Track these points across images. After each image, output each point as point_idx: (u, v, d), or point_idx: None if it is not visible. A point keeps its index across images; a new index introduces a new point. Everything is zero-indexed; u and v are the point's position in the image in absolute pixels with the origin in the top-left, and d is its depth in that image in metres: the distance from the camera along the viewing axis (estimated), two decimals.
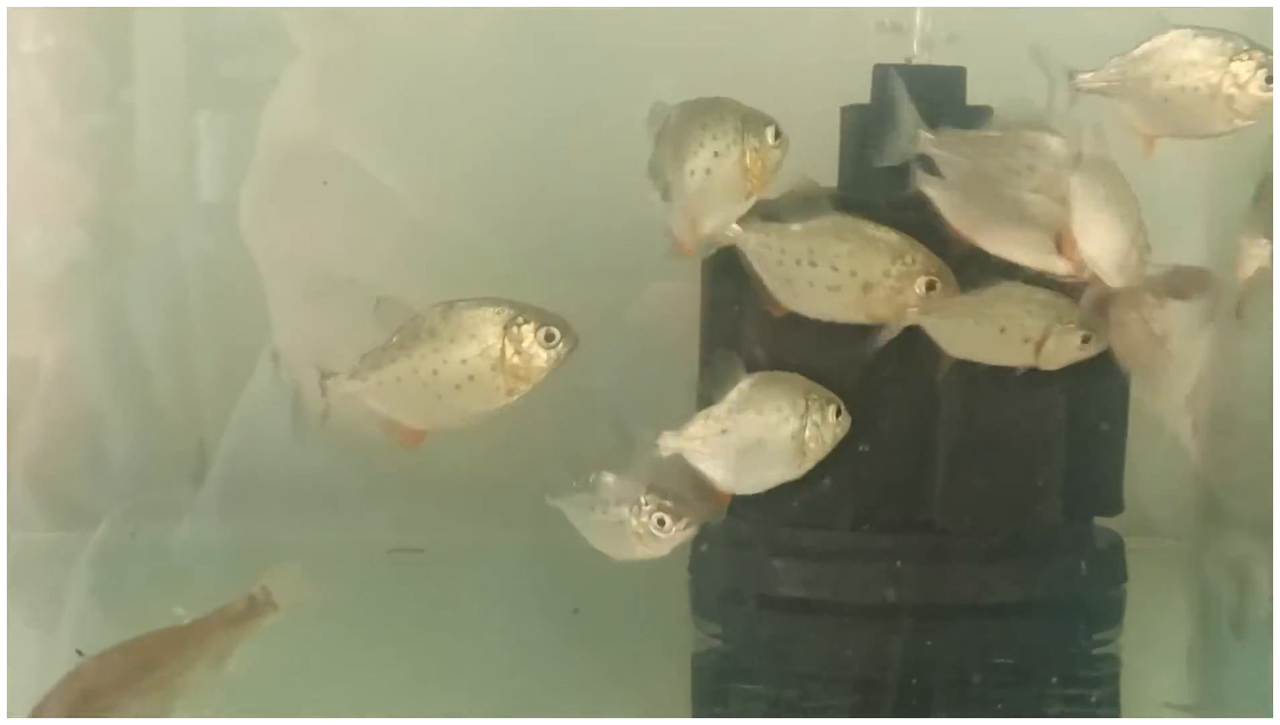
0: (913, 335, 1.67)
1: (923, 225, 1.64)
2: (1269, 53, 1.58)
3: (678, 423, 1.64)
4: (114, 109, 2.19)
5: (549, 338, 1.51)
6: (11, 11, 2.10)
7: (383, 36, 2.09)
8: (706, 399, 1.67)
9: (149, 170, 2.20)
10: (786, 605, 1.70)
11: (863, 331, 1.64)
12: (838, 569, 1.68)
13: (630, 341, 1.99)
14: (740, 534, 1.75)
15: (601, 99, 2.04)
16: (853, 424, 1.64)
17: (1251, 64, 1.58)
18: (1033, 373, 1.65)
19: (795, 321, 1.67)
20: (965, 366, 1.65)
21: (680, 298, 1.82)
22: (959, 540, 1.68)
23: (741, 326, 1.73)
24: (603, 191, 1.90)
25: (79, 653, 1.54)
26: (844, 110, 1.79)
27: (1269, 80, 1.57)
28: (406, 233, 2.06)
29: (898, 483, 1.68)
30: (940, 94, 1.73)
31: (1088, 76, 1.63)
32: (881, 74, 1.74)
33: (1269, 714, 1.64)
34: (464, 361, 1.50)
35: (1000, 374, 1.65)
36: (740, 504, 1.79)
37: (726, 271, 1.70)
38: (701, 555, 1.78)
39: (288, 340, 2.08)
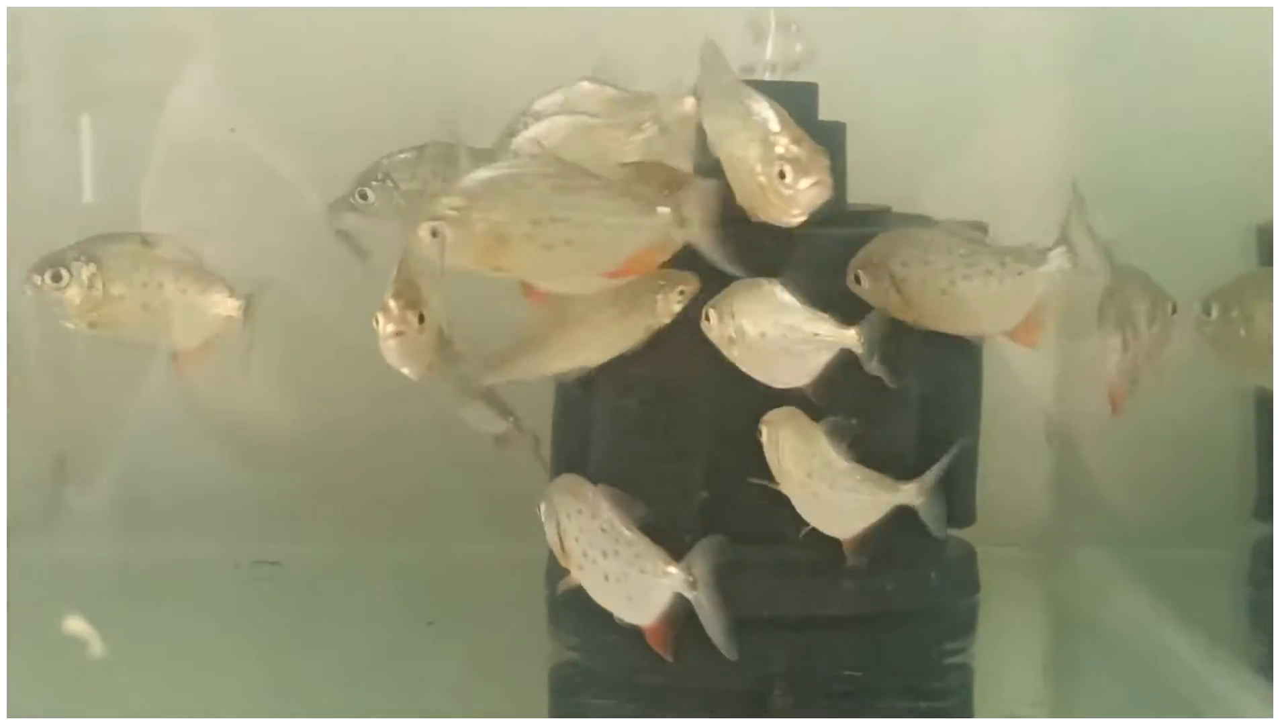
0: None
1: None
2: None
3: None
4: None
5: None
6: None
7: (285, 32, 2.11)
8: None
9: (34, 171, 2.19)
10: None
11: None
12: None
13: None
14: None
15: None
16: (705, 436, 1.64)
17: None
18: (885, 385, 1.66)
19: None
20: (821, 381, 1.66)
21: None
22: (810, 552, 1.69)
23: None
24: None
25: None
26: None
27: None
28: (307, 225, 2.06)
29: (751, 495, 1.68)
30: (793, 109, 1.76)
31: None
32: None
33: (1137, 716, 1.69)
34: None
35: (854, 387, 1.67)
36: None
37: None
38: (559, 568, 1.78)
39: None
